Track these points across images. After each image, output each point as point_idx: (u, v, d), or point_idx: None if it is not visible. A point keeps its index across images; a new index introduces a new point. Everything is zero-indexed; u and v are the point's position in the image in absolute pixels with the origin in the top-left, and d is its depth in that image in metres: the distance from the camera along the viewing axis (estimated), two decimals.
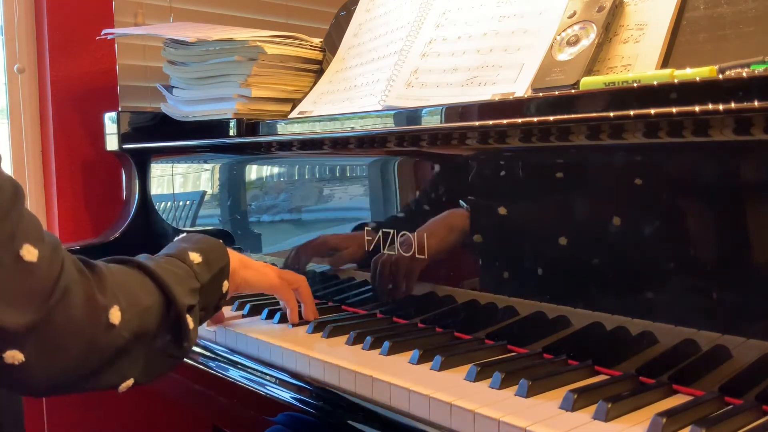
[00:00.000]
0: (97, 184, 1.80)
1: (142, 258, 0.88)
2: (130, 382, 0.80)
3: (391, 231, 1.08)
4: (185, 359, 1.11)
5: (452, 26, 1.12)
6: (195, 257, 0.91)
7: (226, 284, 0.95)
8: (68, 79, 1.74)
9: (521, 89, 0.96)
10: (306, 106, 1.34)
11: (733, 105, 0.66)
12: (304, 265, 1.28)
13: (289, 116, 1.36)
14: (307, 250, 1.27)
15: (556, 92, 0.85)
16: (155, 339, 0.82)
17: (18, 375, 0.69)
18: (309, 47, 1.42)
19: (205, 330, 1.13)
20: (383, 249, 1.10)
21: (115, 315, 0.76)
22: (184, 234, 1.00)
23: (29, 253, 0.68)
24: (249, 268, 1.03)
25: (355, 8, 1.42)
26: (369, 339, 0.95)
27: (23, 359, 0.68)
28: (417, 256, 1.04)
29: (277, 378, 0.96)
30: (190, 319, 0.85)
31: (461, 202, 0.99)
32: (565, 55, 0.92)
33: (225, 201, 1.51)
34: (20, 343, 0.68)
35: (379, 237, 1.10)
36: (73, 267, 0.74)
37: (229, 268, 0.96)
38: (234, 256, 0.99)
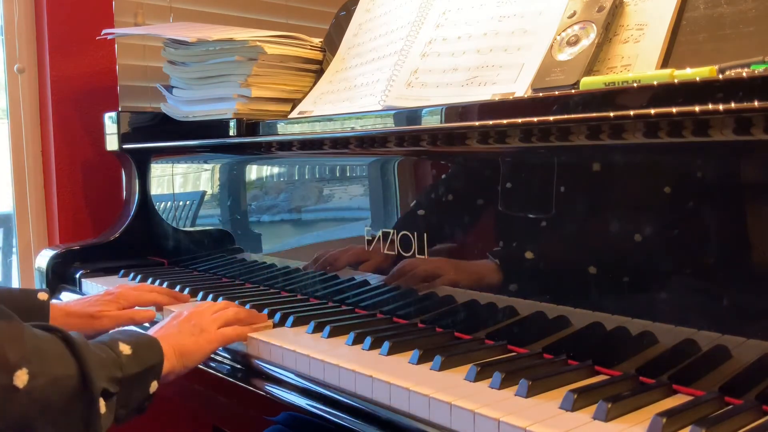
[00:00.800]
0: (97, 184, 1.80)
1: (73, 333, 0.83)
2: None
3: (391, 231, 1.08)
4: None
5: (452, 26, 1.12)
6: (124, 348, 0.86)
7: (154, 385, 0.89)
8: (68, 79, 1.75)
9: (521, 89, 0.96)
10: (306, 106, 1.34)
11: (733, 105, 0.66)
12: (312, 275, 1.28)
13: (289, 116, 1.36)
14: (315, 266, 1.26)
15: (556, 92, 0.85)
16: (63, 417, 0.77)
17: None
18: (309, 47, 1.42)
19: None
20: (383, 249, 1.10)
21: (20, 378, 0.72)
22: (120, 328, 0.95)
23: None
24: (186, 354, 0.95)
25: (355, 8, 1.42)
26: (369, 339, 0.95)
27: None
28: (417, 256, 1.04)
29: (277, 378, 0.96)
30: (102, 404, 0.80)
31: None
32: (565, 55, 0.92)
33: (225, 201, 1.51)
34: None
35: (379, 237, 1.10)
36: None
37: (161, 368, 0.90)
38: (168, 350, 0.92)
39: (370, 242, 1.13)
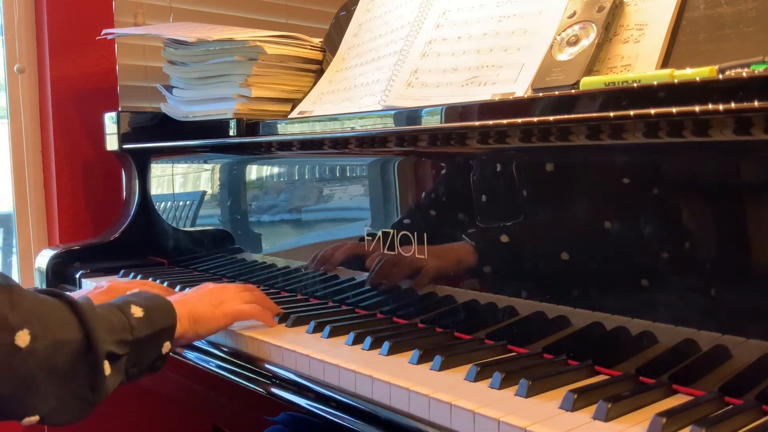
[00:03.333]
0: (97, 184, 1.80)
1: (80, 297, 0.85)
2: (35, 418, 0.78)
3: (391, 231, 1.08)
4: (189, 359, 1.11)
5: (452, 26, 1.12)
6: (136, 311, 0.89)
7: (167, 345, 0.91)
8: (68, 79, 1.75)
9: (521, 89, 0.96)
10: (306, 106, 1.34)
11: (733, 105, 0.66)
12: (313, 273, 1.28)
13: (289, 116, 1.36)
14: (316, 263, 1.26)
15: (556, 92, 0.85)
16: (68, 379, 0.79)
17: None
18: (309, 47, 1.42)
19: None
20: (383, 249, 1.10)
21: (22, 338, 0.74)
22: (137, 290, 0.97)
23: None
24: (200, 321, 0.98)
25: (355, 8, 1.42)
26: (369, 339, 0.95)
27: None
28: (417, 256, 1.04)
29: (277, 378, 0.96)
30: (107, 366, 0.82)
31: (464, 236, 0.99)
32: (565, 55, 0.92)
33: (225, 201, 1.51)
34: None
35: (379, 237, 1.10)
36: None
37: (174, 330, 0.92)
38: (183, 314, 0.95)
39: (370, 242, 1.13)
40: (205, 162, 1.55)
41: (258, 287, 1.36)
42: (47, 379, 0.77)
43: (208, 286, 1.06)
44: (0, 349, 0.73)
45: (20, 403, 0.76)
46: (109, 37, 1.61)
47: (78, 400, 0.81)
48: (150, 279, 1.42)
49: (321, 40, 1.46)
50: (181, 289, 1.32)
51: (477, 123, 0.91)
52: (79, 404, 0.81)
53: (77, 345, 0.80)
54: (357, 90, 1.25)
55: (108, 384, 0.83)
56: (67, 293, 0.84)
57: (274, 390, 0.95)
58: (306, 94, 1.39)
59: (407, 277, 1.06)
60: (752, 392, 0.71)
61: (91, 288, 1.23)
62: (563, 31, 0.95)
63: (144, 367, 0.89)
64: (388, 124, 1.05)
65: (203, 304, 1.01)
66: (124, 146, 1.63)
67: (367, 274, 1.14)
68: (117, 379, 0.85)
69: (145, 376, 0.90)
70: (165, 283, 1.36)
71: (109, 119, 1.65)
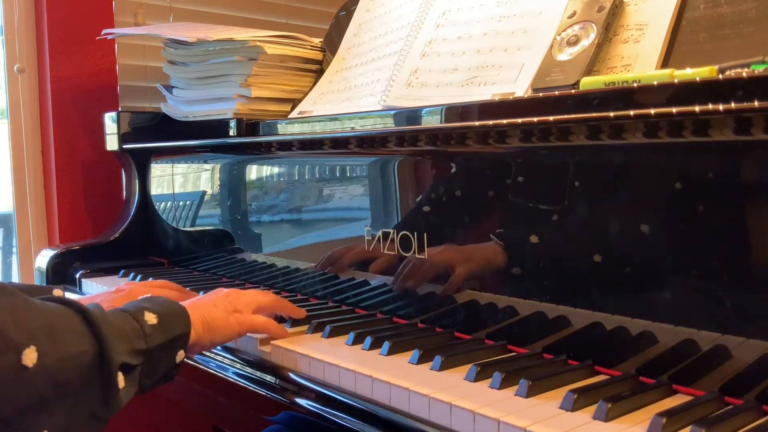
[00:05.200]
0: (97, 184, 1.80)
1: (91, 305, 0.81)
2: None
3: (391, 231, 1.08)
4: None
5: (452, 26, 1.12)
6: (150, 318, 0.84)
7: (181, 354, 0.87)
8: (68, 79, 1.75)
9: (521, 89, 0.96)
10: (306, 106, 1.34)
11: (733, 105, 0.66)
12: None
13: (289, 116, 1.36)
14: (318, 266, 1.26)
15: (556, 92, 0.85)
16: (80, 395, 0.74)
17: None
18: (309, 47, 1.42)
19: None
20: (383, 249, 1.10)
21: (29, 356, 0.69)
22: (149, 296, 0.94)
23: None
24: (213, 329, 0.94)
25: (355, 8, 1.42)
26: (369, 339, 0.95)
27: None
28: (417, 256, 1.04)
29: (277, 378, 0.96)
30: (121, 378, 0.78)
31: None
32: (565, 55, 0.92)
33: (225, 201, 1.51)
34: None
35: (379, 237, 1.10)
36: None
37: (188, 338, 0.88)
38: (197, 321, 0.92)
39: (370, 242, 1.13)
40: (205, 162, 1.55)
41: (258, 287, 1.37)
42: (57, 396, 0.72)
43: (222, 291, 1.02)
44: (6, 371, 0.68)
45: (28, 423, 0.71)
46: (109, 37, 1.61)
47: (90, 416, 0.76)
48: (150, 279, 1.42)
49: (321, 40, 1.47)
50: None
51: (477, 123, 0.91)
52: (91, 421, 0.76)
53: (89, 357, 0.75)
54: (357, 90, 1.25)
55: (122, 397, 0.78)
56: (76, 301, 0.80)
57: (274, 390, 0.95)
58: (306, 94, 1.39)
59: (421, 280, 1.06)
60: (752, 392, 0.71)
61: (111, 290, 1.22)
62: (563, 31, 0.95)
63: (157, 377, 0.85)
64: (388, 124, 1.05)
65: (217, 309, 0.96)
66: (124, 146, 1.63)
67: (368, 274, 1.15)
68: (131, 391, 0.80)
69: (157, 387, 0.86)
70: None
71: (109, 119, 1.65)
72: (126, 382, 0.79)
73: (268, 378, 0.97)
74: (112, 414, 0.78)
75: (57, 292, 1.08)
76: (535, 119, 0.83)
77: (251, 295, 1.03)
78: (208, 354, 1.09)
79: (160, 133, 1.60)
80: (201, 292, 1.28)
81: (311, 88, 1.39)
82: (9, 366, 0.68)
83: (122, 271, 1.54)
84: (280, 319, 1.11)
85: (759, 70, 0.68)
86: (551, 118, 0.82)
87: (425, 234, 1.03)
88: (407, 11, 1.26)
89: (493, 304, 0.95)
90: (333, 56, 1.40)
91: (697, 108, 0.68)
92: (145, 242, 1.67)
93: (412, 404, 0.78)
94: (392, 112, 1.05)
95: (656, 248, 0.79)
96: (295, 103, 1.39)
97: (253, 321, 0.99)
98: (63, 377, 0.72)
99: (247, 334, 1.00)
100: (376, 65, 1.25)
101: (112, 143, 1.65)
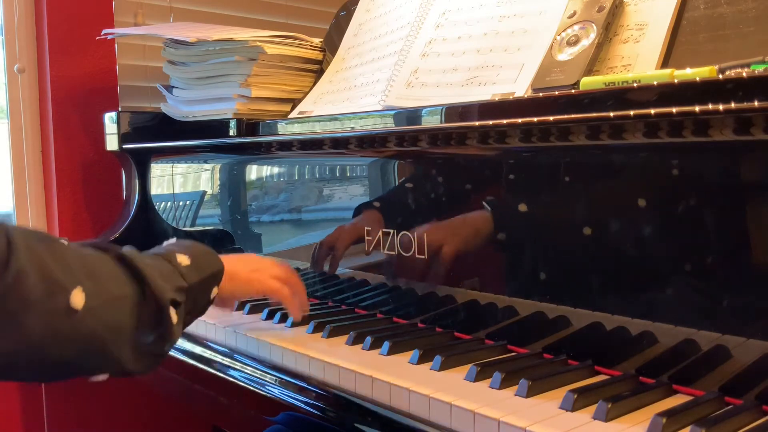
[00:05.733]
0: (97, 184, 1.80)
1: (125, 249, 0.82)
2: (103, 376, 0.76)
3: (391, 231, 1.08)
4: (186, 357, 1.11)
5: (452, 26, 1.12)
6: (183, 259, 0.87)
7: (215, 290, 0.91)
8: (68, 79, 1.74)
9: (521, 89, 0.96)
10: (306, 106, 1.34)
11: (733, 105, 0.66)
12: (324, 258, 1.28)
13: (289, 116, 1.36)
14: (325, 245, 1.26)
15: (556, 92, 0.85)
16: (134, 333, 0.77)
17: None
18: (309, 47, 1.42)
19: (206, 327, 1.13)
20: (383, 249, 1.10)
21: (77, 298, 0.70)
22: (174, 240, 0.96)
23: None
24: (235, 280, 0.97)
25: (355, 8, 1.42)
26: (369, 339, 0.95)
27: None
28: (417, 256, 1.04)
29: (277, 378, 0.96)
30: (174, 313, 0.80)
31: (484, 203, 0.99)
32: (565, 55, 0.92)
33: (225, 201, 1.51)
34: None
35: (379, 237, 1.10)
36: (24, 244, 0.67)
37: (222, 274, 0.92)
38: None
39: (370, 242, 1.13)
40: (205, 162, 1.55)
41: None
42: (112, 337, 0.74)
43: (249, 255, 1.07)
44: (59, 313, 0.69)
45: (88, 364, 0.74)
46: (109, 37, 1.61)
47: (147, 353, 0.79)
48: None
49: (321, 40, 1.46)
50: None
51: (477, 123, 0.91)
52: (148, 357, 0.79)
53: (134, 300, 0.77)
54: (357, 90, 1.25)
55: (176, 332, 0.81)
56: (112, 245, 0.82)
57: (274, 390, 0.95)
58: (306, 94, 1.39)
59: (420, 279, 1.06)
60: (752, 392, 0.71)
61: None
62: (563, 31, 0.95)
63: (196, 312, 0.89)
64: (388, 124, 1.05)
65: (240, 264, 1.00)
66: (124, 146, 1.63)
67: (367, 274, 1.14)
68: (180, 326, 0.83)
69: (193, 321, 0.90)
70: None
71: (109, 119, 1.65)
72: (177, 317, 0.81)
73: (268, 378, 0.97)
74: (169, 348, 0.81)
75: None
76: (535, 119, 0.83)
77: (269, 262, 1.07)
78: (208, 354, 1.09)
79: (160, 133, 1.60)
80: None
81: (311, 88, 1.39)
82: (61, 307, 0.69)
83: None
84: (282, 319, 1.11)
85: (759, 70, 0.68)
86: (551, 118, 0.82)
87: (425, 234, 1.03)
88: (407, 11, 1.25)
89: (493, 304, 0.95)
90: (333, 56, 1.40)
91: (697, 108, 0.68)
92: (145, 242, 1.66)
93: (412, 404, 0.78)
94: (392, 112, 1.05)
95: (656, 248, 0.79)
96: (295, 103, 1.39)
97: (270, 283, 1.02)
98: (113, 318, 0.74)
99: (264, 295, 1.03)
100: (376, 65, 1.25)
101: (112, 143, 1.65)
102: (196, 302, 0.88)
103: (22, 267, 0.66)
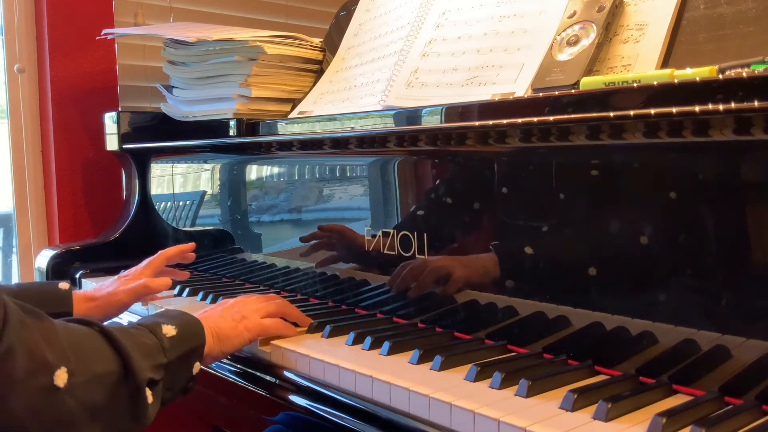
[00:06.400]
0: (97, 184, 1.80)
1: (111, 325, 0.82)
2: None
3: (391, 231, 1.08)
4: None
5: (452, 26, 1.12)
6: (168, 330, 0.86)
7: (197, 366, 0.89)
8: (68, 79, 1.75)
9: (521, 89, 0.96)
10: (306, 106, 1.34)
11: (733, 105, 0.66)
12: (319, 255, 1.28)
13: (289, 116, 1.36)
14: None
15: (556, 92, 0.85)
16: (109, 413, 0.76)
17: None
18: (309, 47, 1.42)
19: None
20: (383, 249, 1.10)
21: (60, 377, 0.71)
22: (162, 309, 0.95)
23: None
24: (223, 339, 0.95)
25: (355, 8, 1.42)
26: (369, 339, 0.95)
27: None
28: (417, 256, 1.04)
29: (277, 378, 0.96)
30: (149, 394, 0.80)
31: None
32: (565, 55, 0.92)
33: (225, 201, 1.51)
34: None
35: (379, 237, 1.10)
36: (17, 319, 0.69)
37: (203, 349, 0.90)
38: (208, 334, 0.92)
39: (370, 242, 1.13)
40: (205, 162, 1.55)
41: (258, 287, 1.37)
42: (87, 416, 0.73)
43: (229, 302, 1.03)
44: (40, 392, 0.69)
45: None
46: (109, 37, 1.61)
47: None
48: None
49: (321, 40, 1.46)
50: (181, 290, 1.32)
51: (477, 123, 0.91)
52: None
53: (115, 377, 0.77)
54: (357, 90, 1.25)
55: (150, 413, 0.80)
56: (96, 321, 0.81)
57: (274, 390, 0.95)
58: (306, 94, 1.39)
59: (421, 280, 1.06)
60: (752, 392, 0.71)
61: (115, 278, 1.24)
62: (563, 31, 0.95)
63: (177, 390, 0.87)
64: (388, 124, 1.05)
65: (226, 319, 0.98)
66: (124, 146, 1.63)
67: (367, 274, 1.14)
68: (157, 405, 0.82)
69: (177, 400, 0.87)
70: None
71: (109, 119, 1.65)
72: (153, 397, 0.80)
73: (268, 378, 0.97)
74: (141, 429, 0.79)
75: (63, 285, 1.10)
76: (535, 119, 0.83)
77: (258, 301, 1.04)
78: None
79: (160, 133, 1.60)
80: (200, 293, 1.29)
81: (311, 88, 1.39)
82: (43, 386, 0.70)
83: (122, 270, 1.54)
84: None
85: (759, 70, 0.68)
86: (551, 118, 0.82)
87: (425, 234, 1.03)
88: (407, 11, 1.26)
89: (493, 304, 0.95)
90: (333, 56, 1.40)
91: (697, 108, 0.68)
92: (145, 242, 1.67)
93: (412, 404, 0.78)
94: (392, 112, 1.05)
95: (656, 248, 0.79)
96: (295, 103, 1.39)
97: (261, 324, 1.00)
98: (91, 398, 0.74)
99: (258, 338, 1.00)
100: (376, 65, 1.25)
101: (112, 143, 1.65)
102: (177, 378, 0.86)
103: (12, 344, 0.67)
